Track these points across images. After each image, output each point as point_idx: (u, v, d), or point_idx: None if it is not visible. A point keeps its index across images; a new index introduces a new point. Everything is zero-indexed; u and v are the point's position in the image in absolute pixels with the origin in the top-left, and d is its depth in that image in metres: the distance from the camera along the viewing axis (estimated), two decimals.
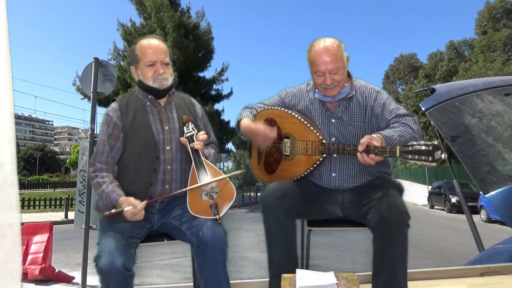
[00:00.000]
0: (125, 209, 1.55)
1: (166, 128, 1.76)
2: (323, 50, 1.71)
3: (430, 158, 1.50)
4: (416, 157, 1.51)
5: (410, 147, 1.53)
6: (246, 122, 1.87)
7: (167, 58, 1.76)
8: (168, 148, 1.74)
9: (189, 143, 1.70)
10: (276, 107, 1.93)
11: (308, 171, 1.79)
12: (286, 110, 1.88)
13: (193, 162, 1.68)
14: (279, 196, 1.66)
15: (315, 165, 1.78)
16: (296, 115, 1.84)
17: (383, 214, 1.53)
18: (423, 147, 1.51)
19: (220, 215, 1.60)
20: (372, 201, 1.63)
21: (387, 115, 1.76)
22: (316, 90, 1.84)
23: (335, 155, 1.78)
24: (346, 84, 1.79)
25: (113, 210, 1.57)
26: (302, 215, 1.78)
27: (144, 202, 1.59)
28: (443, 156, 1.50)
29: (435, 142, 1.52)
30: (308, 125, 1.79)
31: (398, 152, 1.53)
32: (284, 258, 1.65)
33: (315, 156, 1.76)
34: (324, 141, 1.75)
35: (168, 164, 1.73)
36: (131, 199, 1.58)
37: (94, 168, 1.69)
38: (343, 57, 1.74)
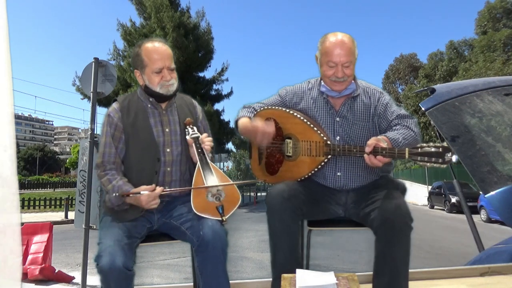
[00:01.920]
0: (142, 192, 1.55)
1: (167, 130, 1.76)
2: (339, 42, 1.72)
3: (441, 160, 1.50)
4: (426, 159, 1.51)
5: (419, 149, 1.52)
6: (243, 121, 1.86)
7: (173, 63, 1.76)
8: (168, 150, 1.74)
9: (195, 144, 1.70)
10: (276, 107, 1.91)
11: (312, 172, 1.78)
12: (287, 110, 1.86)
13: (198, 162, 1.67)
14: (285, 197, 1.65)
15: (319, 166, 1.76)
16: (298, 115, 1.82)
17: (387, 216, 1.53)
18: (433, 149, 1.50)
19: (226, 217, 1.59)
20: (375, 202, 1.63)
21: (388, 115, 1.77)
22: (322, 83, 1.83)
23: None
24: (352, 81, 1.80)
25: (130, 194, 1.57)
26: (306, 215, 1.78)
27: (161, 188, 1.59)
28: (453, 158, 1.50)
29: (445, 144, 1.53)
30: (311, 125, 1.78)
31: (407, 154, 1.52)
32: (288, 259, 1.64)
33: (319, 157, 1.75)
34: (328, 142, 1.73)
35: (168, 166, 1.73)
36: (144, 186, 1.58)
37: (103, 168, 1.69)
38: (355, 52, 1.76)
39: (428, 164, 1.52)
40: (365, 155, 1.57)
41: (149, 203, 1.57)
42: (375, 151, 1.55)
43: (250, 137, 1.87)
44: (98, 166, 1.71)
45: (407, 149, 1.54)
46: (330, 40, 1.74)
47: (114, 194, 1.59)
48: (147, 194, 1.56)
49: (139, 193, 1.56)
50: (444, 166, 1.52)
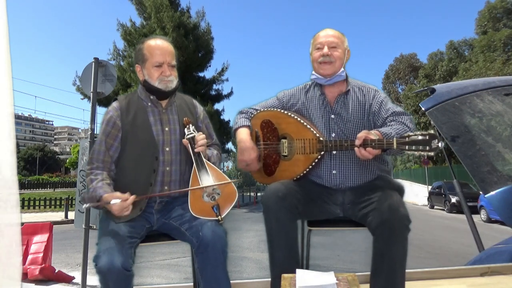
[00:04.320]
0: (112, 202, 1.52)
1: (167, 129, 1.76)
2: (327, 30, 1.86)
3: (428, 148, 1.51)
4: (414, 148, 1.52)
5: (407, 138, 1.53)
6: (243, 134, 1.89)
7: (174, 61, 1.76)
8: (167, 149, 1.74)
9: (191, 145, 1.71)
10: (271, 108, 1.93)
11: (307, 169, 1.79)
12: (282, 111, 1.89)
13: (194, 163, 1.68)
14: (280, 196, 1.66)
15: (313, 163, 1.78)
16: (292, 115, 1.84)
17: (384, 217, 1.53)
18: (419, 137, 1.52)
19: (222, 216, 1.60)
20: (373, 203, 1.63)
21: (383, 113, 1.78)
22: (313, 72, 1.88)
23: (335, 152, 1.79)
24: (342, 69, 1.83)
25: (102, 201, 1.54)
26: (303, 215, 1.78)
27: (133, 197, 1.55)
28: (440, 144, 1.51)
29: (431, 131, 1.53)
30: (305, 123, 1.80)
31: (395, 143, 1.53)
32: (286, 258, 1.65)
33: (313, 154, 1.77)
34: (321, 138, 1.75)
35: (167, 165, 1.73)
36: (118, 193, 1.55)
37: (91, 166, 1.69)
38: (344, 42, 1.85)
39: (416, 153, 1.53)
40: (356, 148, 1.59)
41: (121, 212, 1.54)
42: (365, 143, 1.56)
43: (239, 151, 1.88)
44: (87, 163, 1.73)
45: (395, 138, 1.55)
46: (320, 31, 1.87)
47: (84, 205, 1.60)
48: (119, 204, 1.52)
49: (109, 202, 1.52)
50: (432, 153, 1.52)
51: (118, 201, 1.52)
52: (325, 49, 1.79)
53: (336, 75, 1.81)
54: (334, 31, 1.84)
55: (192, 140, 1.71)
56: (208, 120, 1.95)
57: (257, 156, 1.86)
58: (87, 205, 1.58)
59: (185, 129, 1.74)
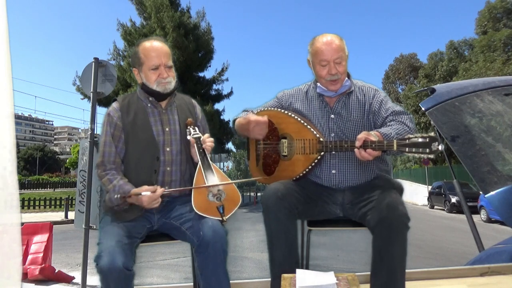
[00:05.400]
0: (143, 193, 1.55)
1: (167, 129, 1.76)
2: (328, 41, 1.77)
3: (428, 150, 1.51)
4: (414, 150, 1.52)
5: (407, 140, 1.53)
6: (238, 120, 1.92)
7: (170, 61, 1.77)
8: (168, 149, 1.74)
9: (197, 144, 1.71)
10: (272, 108, 1.94)
11: (307, 170, 1.79)
12: (282, 111, 1.89)
13: (199, 162, 1.68)
14: (280, 196, 1.66)
15: (313, 164, 1.78)
16: (293, 115, 1.84)
17: (383, 216, 1.53)
18: (420, 139, 1.51)
19: (227, 217, 1.59)
20: (372, 202, 1.63)
21: (383, 112, 1.78)
22: (318, 85, 1.85)
23: (334, 152, 1.78)
24: (346, 78, 1.83)
25: (132, 194, 1.56)
26: (303, 215, 1.78)
27: (162, 189, 1.60)
28: (440, 147, 1.51)
29: (432, 134, 1.53)
30: (305, 124, 1.80)
31: (395, 145, 1.53)
32: (286, 258, 1.65)
33: (313, 155, 1.77)
34: (321, 139, 1.75)
35: (168, 165, 1.73)
36: (146, 186, 1.59)
37: (104, 168, 1.69)
38: (345, 49, 1.80)
39: (417, 155, 1.53)
40: (356, 150, 1.58)
41: (150, 203, 1.58)
42: (365, 145, 1.56)
43: (245, 131, 1.89)
44: (98, 166, 1.71)
45: (395, 140, 1.55)
46: (319, 40, 1.80)
47: (116, 196, 1.59)
48: (149, 196, 1.56)
49: (141, 194, 1.56)
50: (432, 156, 1.52)
51: (149, 193, 1.55)
52: (333, 68, 1.75)
53: (343, 85, 1.82)
54: (334, 41, 1.77)
55: (198, 140, 1.71)
56: (205, 121, 1.96)
57: (254, 117, 1.84)
58: (117, 196, 1.59)
59: (191, 129, 1.75)
